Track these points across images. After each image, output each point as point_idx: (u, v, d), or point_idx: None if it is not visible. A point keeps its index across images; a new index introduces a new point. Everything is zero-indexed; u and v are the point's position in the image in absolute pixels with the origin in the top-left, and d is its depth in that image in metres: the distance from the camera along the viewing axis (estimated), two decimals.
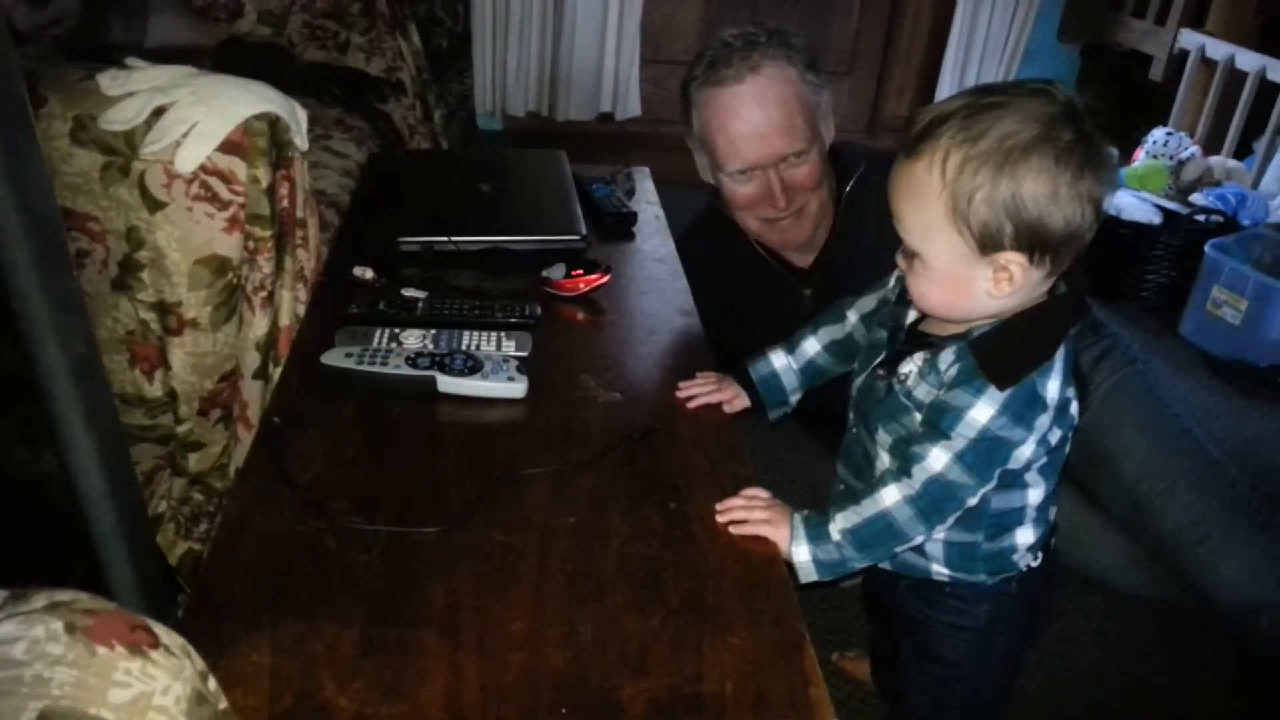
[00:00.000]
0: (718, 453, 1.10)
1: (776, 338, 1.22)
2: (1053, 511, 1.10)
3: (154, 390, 1.36)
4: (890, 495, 0.95)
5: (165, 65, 1.29)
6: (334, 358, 1.17)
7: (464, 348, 1.22)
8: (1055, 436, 0.98)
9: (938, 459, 0.93)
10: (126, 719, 0.53)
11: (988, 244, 0.89)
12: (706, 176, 1.53)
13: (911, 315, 1.04)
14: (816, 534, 0.98)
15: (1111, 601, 1.76)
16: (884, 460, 1.02)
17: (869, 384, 1.05)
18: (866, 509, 0.97)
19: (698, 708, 0.78)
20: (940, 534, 1.02)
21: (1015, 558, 1.06)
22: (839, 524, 0.97)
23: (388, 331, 1.24)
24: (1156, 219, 2.77)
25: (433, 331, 1.25)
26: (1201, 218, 2.77)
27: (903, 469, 0.96)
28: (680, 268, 1.56)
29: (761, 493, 1.02)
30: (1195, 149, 3.07)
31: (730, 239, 1.57)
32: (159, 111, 1.23)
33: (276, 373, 1.36)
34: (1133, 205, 2.80)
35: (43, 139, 1.18)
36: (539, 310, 1.34)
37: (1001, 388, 0.91)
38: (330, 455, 1.05)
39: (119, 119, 1.22)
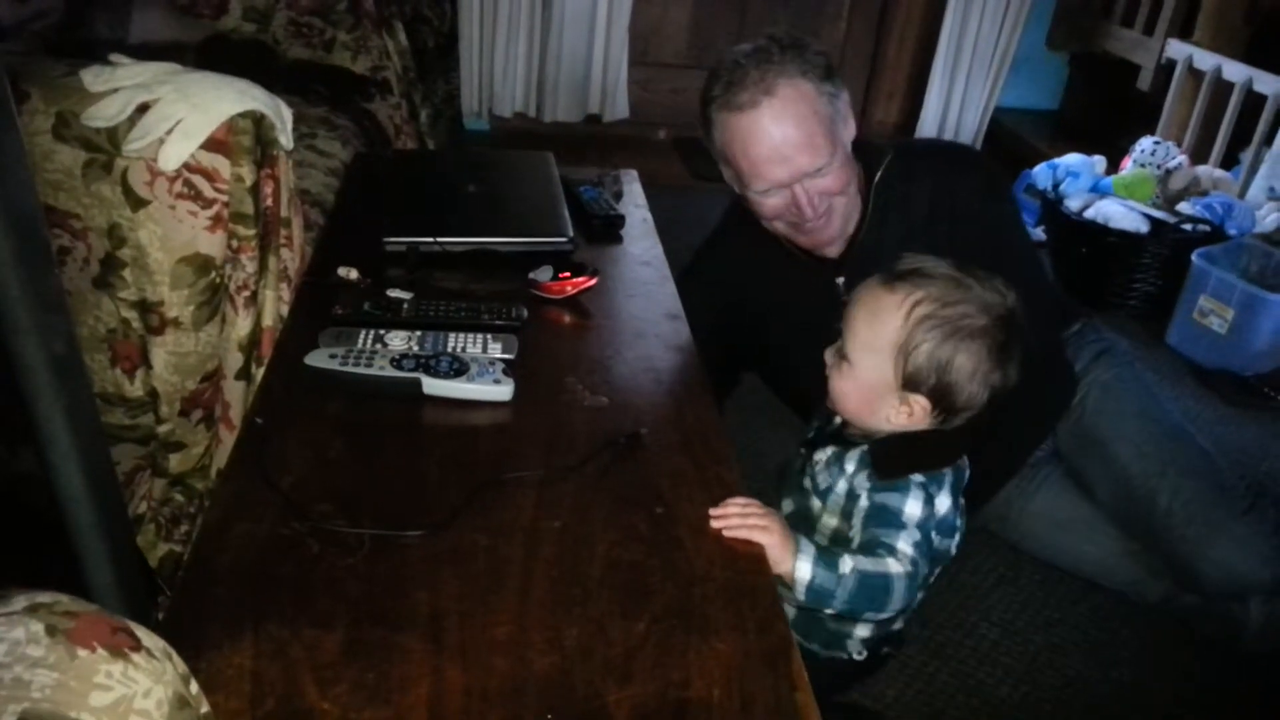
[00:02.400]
0: (705, 458, 1.10)
1: (811, 329, 1.23)
2: (898, 624, 1.26)
3: (135, 390, 1.35)
4: (895, 567, 1.04)
5: (149, 62, 1.28)
6: (318, 359, 1.16)
7: (449, 350, 1.21)
8: (935, 544, 1.11)
9: (905, 543, 1.05)
10: None
11: (909, 384, 1.09)
12: (734, 187, 1.53)
13: (838, 419, 1.21)
14: (826, 560, 1.02)
15: (1099, 608, 1.77)
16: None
17: (792, 456, 1.25)
18: (877, 565, 1.04)
19: (683, 714, 0.78)
20: (792, 605, 1.10)
21: (849, 643, 1.23)
22: (851, 563, 1.03)
23: (372, 333, 1.23)
24: (1144, 228, 2.79)
25: (418, 333, 1.24)
26: (1188, 227, 2.78)
27: (888, 552, 1.05)
28: (668, 271, 1.56)
29: (755, 502, 1.02)
30: (1182, 158, 3.09)
31: (756, 238, 1.57)
32: (142, 108, 1.22)
33: (259, 373, 1.35)
34: (1120, 214, 2.81)
35: (25, 135, 1.16)
36: (525, 313, 1.33)
37: (881, 477, 1.09)
38: (314, 457, 1.04)
39: (102, 115, 1.21)
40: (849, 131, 1.48)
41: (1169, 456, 1.67)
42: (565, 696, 0.78)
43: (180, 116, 1.22)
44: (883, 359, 1.09)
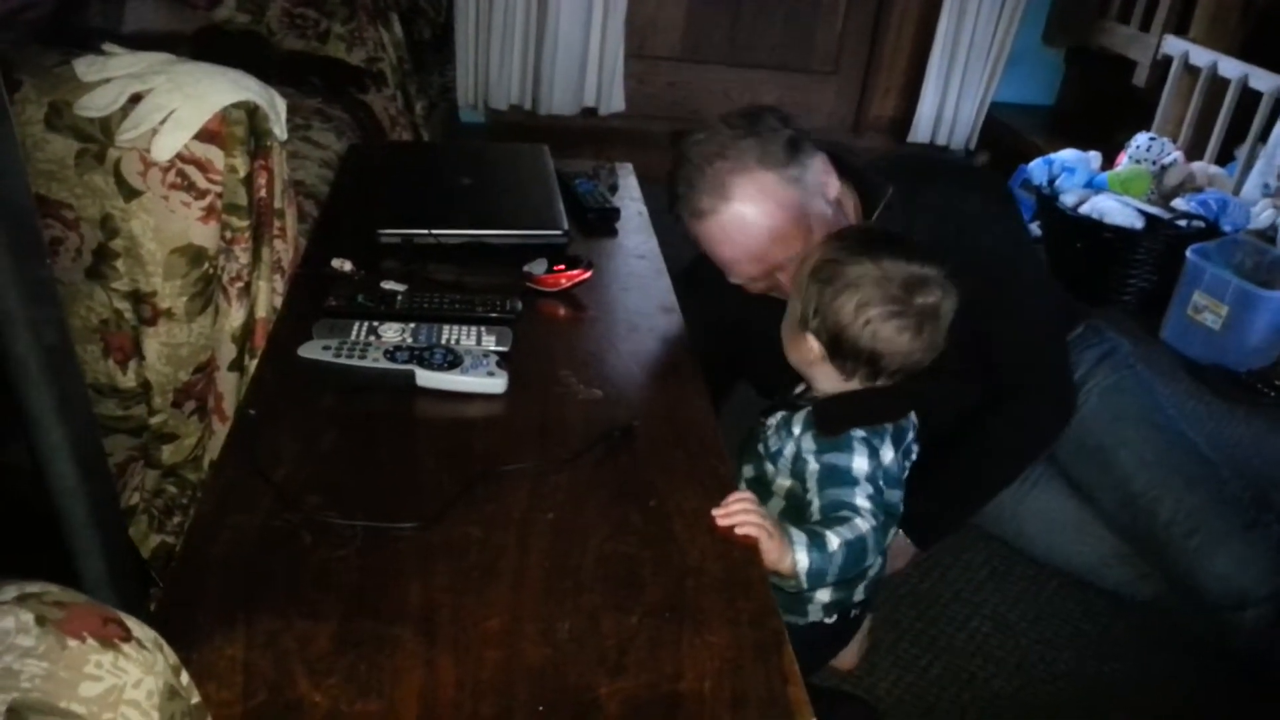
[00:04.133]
0: (698, 450, 1.10)
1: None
2: (860, 592, 1.29)
3: (128, 381, 1.35)
4: (864, 524, 1.07)
5: (142, 52, 1.27)
6: (311, 350, 1.16)
7: (443, 342, 1.21)
8: (888, 498, 1.14)
9: (860, 498, 1.10)
10: (98, 712, 0.52)
11: (802, 320, 1.17)
12: None
13: (800, 386, 1.27)
14: (817, 544, 1.04)
15: (1090, 604, 1.77)
16: (742, 489, 1.13)
17: (752, 425, 1.28)
18: (854, 530, 1.07)
19: (675, 706, 0.78)
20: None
21: (809, 608, 1.26)
22: (836, 539, 1.05)
23: (366, 324, 1.23)
24: (1139, 223, 2.79)
25: (412, 325, 1.24)
26: (1183, 223, 2.78)
27: (851, 511, 1.09)
28: (663, 265, 1.56)
29: (753, 497, 1.02)
30: (1178, 154, 3.09)
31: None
32: (135, 98, 1.21)
33: (252, 365, 1.35)
34: (1115, 209, 2.81)
35: (17, 124, 1.16)
36: (520, 305, 1.33)
37: (822, 434, 1.14)
38: (306, 449, 1.04)
39: (95, 105, 1.20)
40: (828, 194, 1.38)
41: (1172, 466, 1.65)
42: (557, 689, 0.78)
43: (173, 107, 1.21)
44: (795, 297, 1.19)
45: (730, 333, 1.56)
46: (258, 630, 0.81)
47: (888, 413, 1.18)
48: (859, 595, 1.30)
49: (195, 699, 0.62)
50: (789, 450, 1.18)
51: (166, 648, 0.59)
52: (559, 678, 0.79)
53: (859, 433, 1.13)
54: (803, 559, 1.02)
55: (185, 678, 0.61)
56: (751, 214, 1.29)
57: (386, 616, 0.84)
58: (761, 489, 1.21)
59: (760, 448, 1.23)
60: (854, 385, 1.18)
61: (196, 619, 0.82)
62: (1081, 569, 1.79)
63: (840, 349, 1.15)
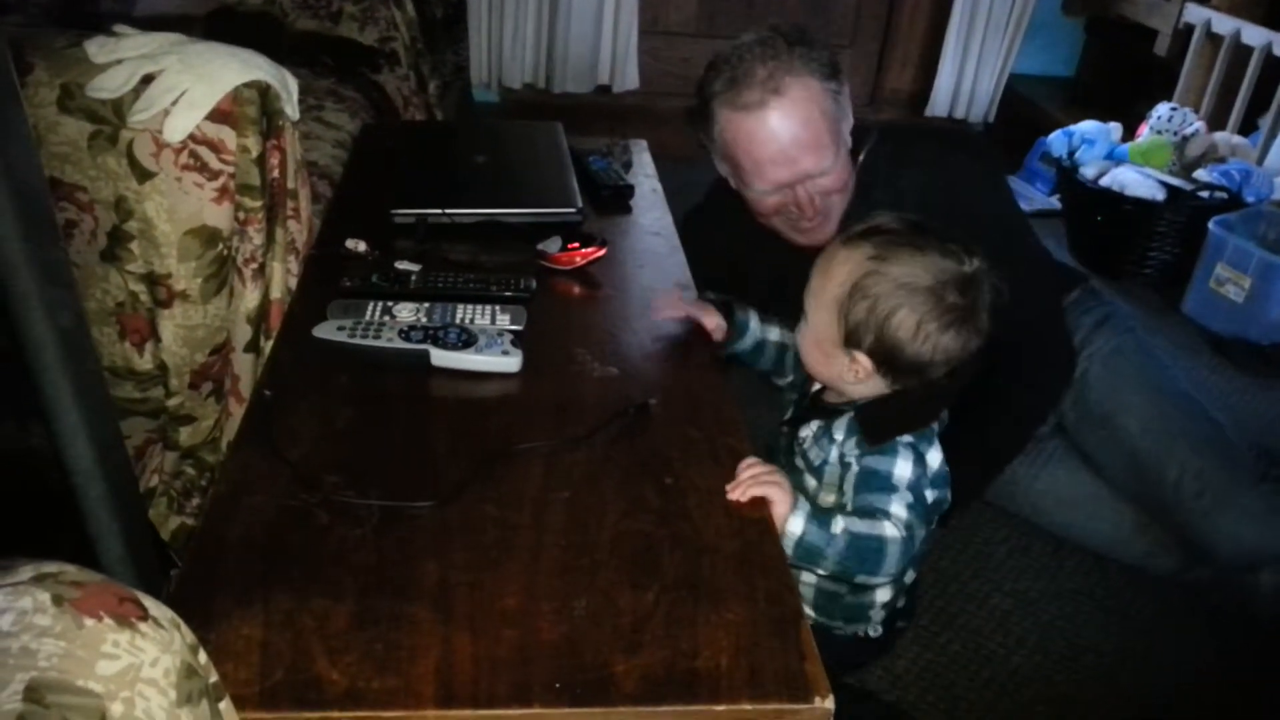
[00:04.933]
0: (714, 428, 1.09)
1: (796, 308, 1.22)
2: (909, 578, 1.25)
3: (144, 363, 1.35)
4: (890, 531, 1.03)
5: (154, 33, 1.27)
6: (326, 331, 1.16)
7: (458, 321, 1.21)
8: (931, 498, 1.10)
9: (898, 507, 1.05)
10: (115, 691, 0.52)
11: (850, 339, 1.09)
12: (731, 181, 1.50)
13: (817, 385, 1.21)
14: (819, 518, 1.01)
15: (1110, 580, 1.76)
16: None
17: (776, 435, 1.24)
18: (871, 528, 1.03)
19: (692, 683, 0.78)
20: (812, 579, 1.18)
21: (871, 613, 1.22)
22: (843, 523, 1.02)
23: (381, 304, 1.23)
24: (1160, 195, 2.75)
25: (426, 305, 1.23)
26: (1205, 194, 2.74)
27: (883, 516, 1.04)
28: (678, 242, 1.55)
29: (759, 461, 1.02)
30: (1200, 125, 3.04)
31: (740, 217, 1.55)
32: (147, 79, 1.21)
33: (268, 346, 1.35)
34: (1136, 181, 2.78)
35: (29, 107, 1.16)
36: (534, 284, 1.33)
37: (871, 444, 1.08)
38: (322, 429, 1.04)
39: (107, 87, 1.20)
40: (849, 126, 1.45)
41: (1177, 428, 1.66)
42: (573, 666, 0.78)
43: (185, 87, 1.21)
44: (829, 314, 1.10)
45: (727, 280, 1.55)
46: (275, 609, 0.81)
47: (933, 411, 1.12)
48: (900, 602, 1.27)
49: (213, 678, 0.62)
50: (834, 457, 1.13)
51: (184, 626, 0.60)
52: (575, 655, 0.79)
53: (905, 438, 1.08)
54: (795, 524, 1.00)
55: (203, 656, 0.61)
56: (800, 111, 1.35)
57: (403, 595, 0.84)
58: None
59: (799, 461, 1.17)
60: (870, 391, 1.13)
61: (214, 598, 0.82)
62: (1100, 544, 1.78)
63: (896, 365, 1.09)
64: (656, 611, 0.84)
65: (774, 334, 1.30)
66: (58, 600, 0.54)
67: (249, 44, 1.31)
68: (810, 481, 1.15)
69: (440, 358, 1.14)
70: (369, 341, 1.14)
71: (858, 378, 1.11)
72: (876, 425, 1.09)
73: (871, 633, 1.25)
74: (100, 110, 1.21)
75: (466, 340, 1.15)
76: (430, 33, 2.85)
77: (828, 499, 1.14)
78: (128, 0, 2.08)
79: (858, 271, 1.07)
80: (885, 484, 1.06)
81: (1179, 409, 1.69)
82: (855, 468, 1.09)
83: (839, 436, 1.12)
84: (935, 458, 1.11)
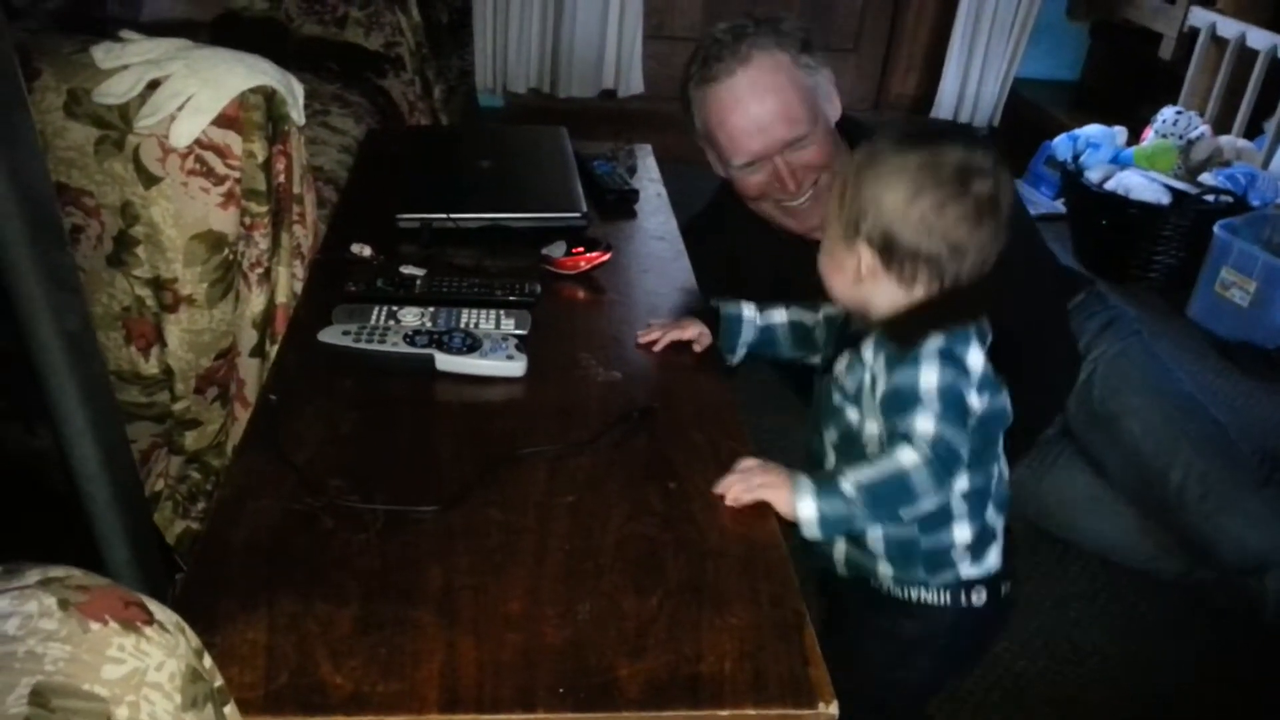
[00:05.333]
0: (717, 432, 1.09)
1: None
2: (996, 522, 1.11)
3: (150, 367, 1.36)
4: (907, 457, 0.96)
5: (160, 38, 1.27)
6: (331, 335, 1.16)
7: (463, 326, 1.21)
8: (982, 406, 1.02)
9: (924, 422, 0.97)
10: (120, 695, 0.53)
11: (850, 227, 1.03)
12: (719, 170, 1.52)
13: (844, 316, 1.14)
14: (825, 489, 0.97)
15: (1116, 583, 1.76)
16: (831, 460, 1.09)
17: (819, 387, 1.14)
18: (883, 467, 0.97)
19: (696, 688, 0.78)
20: (877, 530, 1.07)
21: (954, 555, 1.08)
22: (851, 479, 0.97)
23: (386, 309, 1.23)
24: (1165, 199, 2.75)
25: (431, 309, 1.23)
26: (1211, 198, 2.74)
27: (897, 439, 0.97)
28: (682, 246, 1.55)
29: (752, 461, 1.01)
30: (1205, 128, 3.04)
31: (743, 219, 1.56)
32: (154, 85, 1.22)
33: (273, 350, 1.35)
34: (1141, 185, 2.78)
35: (36, 112, 1.16)
36: (539, 288, 1.33)
37: (901, 347, 0.99)
38: (327, 433, 1.05)
39: (113, 92, 1.21)
40: (832, 108, 1.46)
41: (1180, 431, 1.66)
42: (578, 670, 0.78)
43: (191, 92, 1.21)
44: (834, 213, 1.06)
45: (731, 284, 1.55)
46: (280, 613, 0.82)
47: (967, 310, 1.03)
48: (992, 563, 1.12)
49: (218, 682, 0.62)
50: (867, 381, 1.04)
51: (189, 630, 0.60)
52: (579, 659, 0.79)
53: (933, 343, 0.99)
54: (806, 508, 0.96)
55: (208, 660, 0.61)
56: (767, 79, 1.38)
57: (408, 599, 0.84)
58: (854, 447, 1.08)
59: (838, 398, 1.08)
60: (912, 297, 1.04)
61: (219, 602, 0.82)
62: (1104, 546, 1.78)
63: (895, 251, 1.01)
64: (660, 616, 0.84)
65: (780, 316, 1.25)
66: (64, 604, 0.54)
67: (254, 49, 1.32)
68: (852, 414, 1.07)
69: (445, 362, 1.14)
70: (374, 346, 1.15)
71: (861, 278, 1.04)
72: (900, 330, 1.02)
73: (975, 600, 1.11)
74: (107, 115, 1.22)
75: (471, 345, 1.15)
76: (435, 37, 2.86)
77: (873, 430, 1.05)
78: (134, 5, 2.09)
79: (858, 160, 1.04)
80: (909, 399, 0.98)
81: (1183, 412, 1.69)
82: (883, 387, 1.01)
83: (868, 357, 1.04)
84: (976, 360, 1.01)
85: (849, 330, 1.13)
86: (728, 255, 1.57)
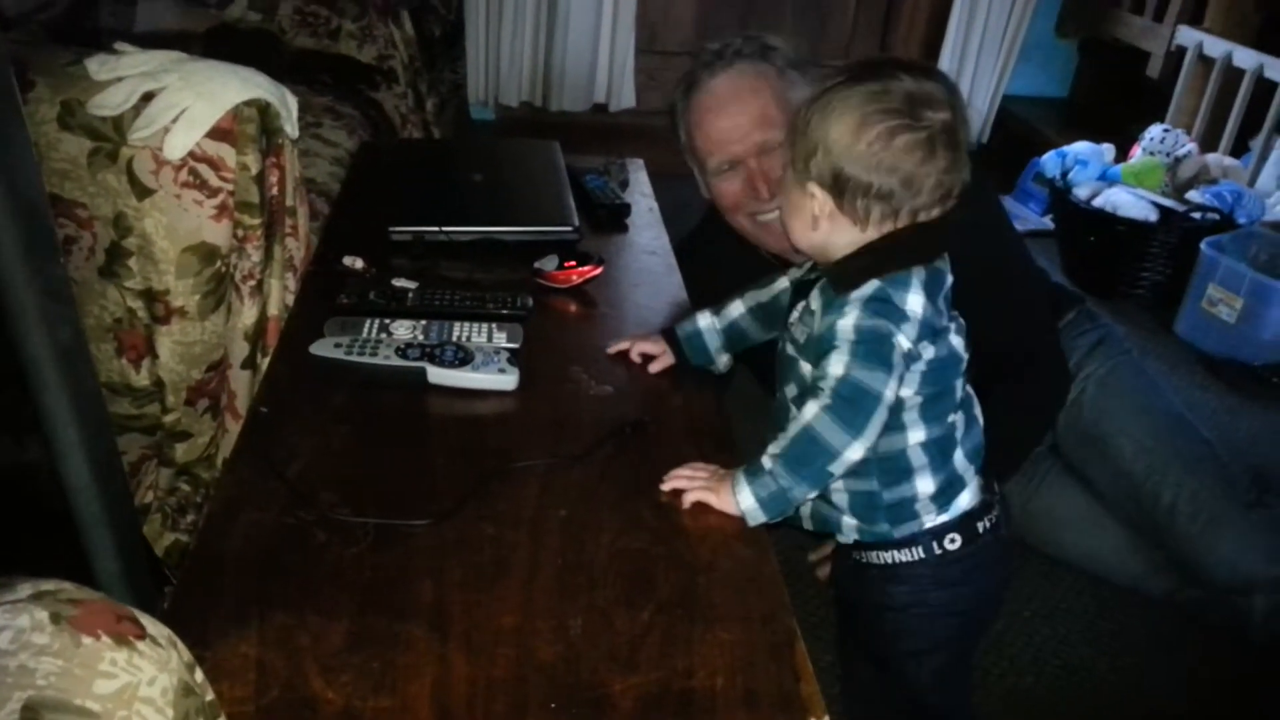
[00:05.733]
0: (709, 446, 1.10)
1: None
2: (967, 470, 1.09)
3: (141, 379, 1.35)
4: (809, 409, 0.97)
5: (154, 50, 1.28)
6: (323, 348, 1.16)
7: (455, 339, 1.21)
8: (929, 354, 1.00)
9: (835, 364, 0.97)
10: (112, 710, 0.53)
11: (800, 168, 1.00)
12: (704, 191, 1.53)
13: (806, 266, 1.12)
14: (752, 473, 0.98)
15: (1104, 600, 1.76)
16: (794, 415, 1.05)
17: (779, 344, 1.11)
18: (791, 429, 0.99)
19: (688, 703, 0.78)
20: (839, 484, 1.06)
21: (917, 507, 1.07)
22: (769, 452, 0.99)
23: (377, 322, 1.23)
24: (1153, 216, 2.77)
25: (423, 322, 1.24)
26: (1198, 215, 2.76)
27: (814, 389, 0.98)
28: (674, 261, 1.56)
29: (708, 466, 1.03)
30: (1192, 146, 3.07)
31: (730, 242, 1.56)
32: (148, 97, 1.22)
33: (265, 363, 1.35)
34: (1129, 202, 2.80)
35: (30, 124, 1.16)
36: (531, 302, 1.33)
37: (838, 291, 0.98)
38: (318, 446, 1.04)
39: (107, 104, 1.21)
40: None
41: (1171, 451, 1.67)
42: (570, 685, 0.78)
43: (185, 105, 1.21)
44: (786, 153, 1.03)
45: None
46: (271, 627, 0.81)
47: (913, 253, 1.00)
48: (962, 506, 1.09)
49: (209, 696, 0.62)
50: (817, 329, 1.01)
51: (180, 645, 0.60)
52: (572, 675, 0.79)
53: (866, 289, 0.97)
54: (745, 498, 0.97)
55: (199, 675, 0.61)
56: (748, 83, 1.42)
57: (399, 614, 0.84)
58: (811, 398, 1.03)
59: (791, 350, 1.06)
60: (871, 236, 1.00)
61: (210, 616, 0.82)
62: (1094, 564, 1.79)
63: (845, 186, 0.97)
64: (652, 631, 0.84)
65: (737, 309, 1.22)
66: (56, 618, 0.54)
67: (248, 61, 1.32)
68: (804, 366, 1.04)
69: (437, 375, 1.14)
70: (366, 359, 1.15)
71: (816, 220, 1.01)
72: (841, 272, 1.00)
73: (949, 545, 1.09)
74: (101, 128, 1.22)
75: (463, 358, 1.15)
76: (428, 51, 2.87)
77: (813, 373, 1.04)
78: (128, 17, 2.09)
79: (809, 98, 1.00)
80: (827, 343, 0.97)
81: (1174, 432, 1.70)
82: (814, 334, 1.00)
83: (815, 307, 1.03)
84: (915, 304, 0.98)
85: (803, 277, 1.12)
86: (717, 275, 1.57)
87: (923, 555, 1.09)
